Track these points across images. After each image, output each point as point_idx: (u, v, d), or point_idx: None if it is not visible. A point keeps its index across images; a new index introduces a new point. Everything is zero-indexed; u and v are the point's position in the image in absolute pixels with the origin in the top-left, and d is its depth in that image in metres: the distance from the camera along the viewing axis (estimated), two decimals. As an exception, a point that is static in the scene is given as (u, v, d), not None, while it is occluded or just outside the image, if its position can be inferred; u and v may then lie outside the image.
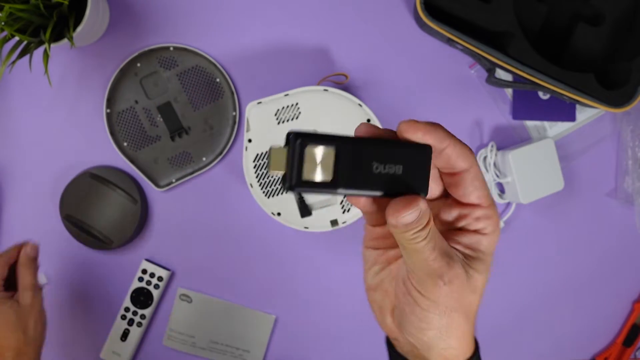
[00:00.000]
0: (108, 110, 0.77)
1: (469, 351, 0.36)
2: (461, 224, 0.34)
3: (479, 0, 0.69)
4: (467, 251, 0.34)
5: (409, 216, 0.30)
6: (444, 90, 0.79)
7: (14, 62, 0.66)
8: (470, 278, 0.33)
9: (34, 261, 0.62)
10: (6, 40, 0.65)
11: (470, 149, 0.33)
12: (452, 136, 0.32)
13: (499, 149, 0.79)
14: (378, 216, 0.34)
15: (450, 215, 0.34)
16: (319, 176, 0.29)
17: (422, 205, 0.31)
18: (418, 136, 0.31)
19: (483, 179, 0.33)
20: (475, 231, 0.33)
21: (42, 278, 0.79)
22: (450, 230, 0.34)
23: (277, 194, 0.72)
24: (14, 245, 0.64)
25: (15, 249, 0.63)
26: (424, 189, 0.31)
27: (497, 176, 0.78)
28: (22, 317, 0.58)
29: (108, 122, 0.77)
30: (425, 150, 0.30)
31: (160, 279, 0.78)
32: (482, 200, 0.33)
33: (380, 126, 0.71)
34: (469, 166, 0.32)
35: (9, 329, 0.57)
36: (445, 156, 0.32)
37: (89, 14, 0.67)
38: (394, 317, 0.36)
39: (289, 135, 0.28)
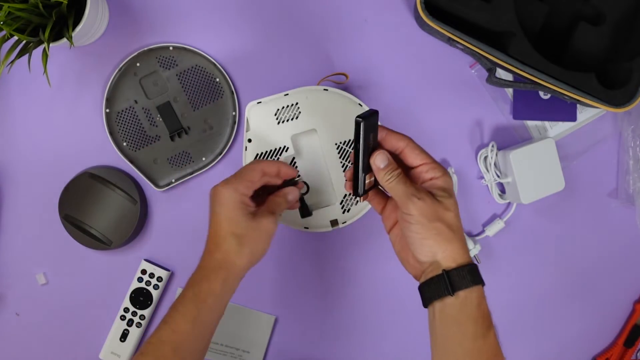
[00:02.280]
0: (107, 110, 0.77)
1: (467, 259, 0.53)
2: (421, 178, 0.55)
3: (480, 0, 0.69)
4: (430, 187, 0.54)
5: (380, 161, 0.54)
6: (445, 89, 0.79)
7: (12, 61, 0.66)
8: (438, 201, 0.53)
9: (287, 203, 0.63)
10: (5, 39, 0.65)
11: (403, 135, 0.55)
12: (388, 130, 0.55)
13: (499, 148, 0.79)
14: (377, 204, 0.61)
15: (414, 175, 0.55)
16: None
17: (386, 155, 0.55)
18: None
19: (421, 150, 0.55)
20: (430, 179, 0.54)
21: (40, 279, 0.79)
22: (418, 185, 0.55)
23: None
24: (277, 162, 0.63)
25: (275, 165, 0.63)
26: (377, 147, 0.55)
27: (498, 176, 0.78)
28: (246, 231, 0.59)
29: (107, 122, 0.77)
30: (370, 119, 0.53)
31: (159, 279, 0.78)
32: (425, 160, 0.54)
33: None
34: (405, 144, 0.55)
35: (226, 237, 0.58)
36: (388, 143, 0.55)
37: (88, 14, 0.67)
38: (410, 251, 0.55)
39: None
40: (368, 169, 0.55)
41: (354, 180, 0.56)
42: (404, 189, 0.53)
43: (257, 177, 0.61)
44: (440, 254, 0.53)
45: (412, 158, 0.54)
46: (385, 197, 0.61)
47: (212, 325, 0.60)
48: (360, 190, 0.56)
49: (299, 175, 0.63)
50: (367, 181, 0.56)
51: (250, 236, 0.59)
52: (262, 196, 0.63)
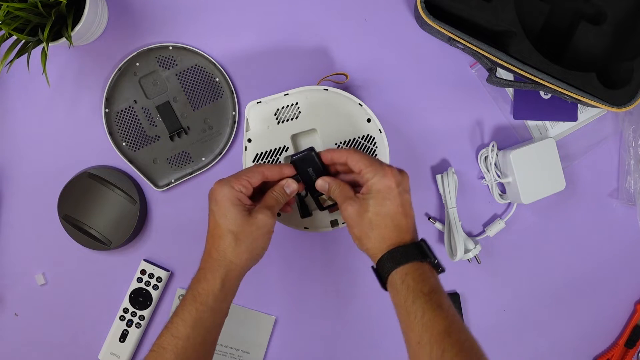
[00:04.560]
0: (106, 110, 0.76)
1: (385, 248, 0.57)
2: (361, 180, 0.60)
3: (480, -1, 0.69)
4: (365, 191, 0.60)
5: (319, 187, 0.63)
6: (445, 89, 0.79)
7: (11, 61, 0.65)
8: (363, 203, 0.59)
9: (285, 195, 0.63)
10: (4, 39, 0.65)
11: (345, 150, 0.62)
12: (333, 150, 0.63)
13: (500, 148, 0.78)
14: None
15: (362, 178, 0.60)
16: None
17: (328, 179, 0.63)
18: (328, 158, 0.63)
19: (361, 157, 0.60)
20: (366, 181, 0.59)
21: (39, 279, 0.78)
22: (359, 186, 0.62)
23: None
24: (279, 165, 0.64)
25: (276, 169, 0.63)
26: (324, 172, 0.65)
27: (498, 176, 0.77)
28: (242, 227, 0.59)
29: (106, 121, 0.76)
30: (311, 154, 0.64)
31: (159, 279, 0.78)
32: (362, 167, 0.60)
33: (379, 124, 0.70)
34: (346, 156, 0.61)
35: (222, 234, 0.59)
36: (336, 160, 0.62)
37: (88, 13, 0.67)
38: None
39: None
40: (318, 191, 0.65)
41: (315, 202, 0.67)
42: (339, 200, 0.61)
43: (256, 178, 0.61)
44: (366, 252, 0.60)
45: (353, 166, 0.61)
46: None
47: (215, 328, 0.60)
48: (320, 207, 0.68)
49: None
50: (325, 199, 0.67)
51: (247, 233, 0.59)
52: (262, 194, 0.63)
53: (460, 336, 0.52)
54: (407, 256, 0.56)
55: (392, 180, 0.58)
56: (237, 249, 0.59)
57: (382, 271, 0.57)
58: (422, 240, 0.59)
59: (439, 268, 0.58)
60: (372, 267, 0.59)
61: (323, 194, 0.66)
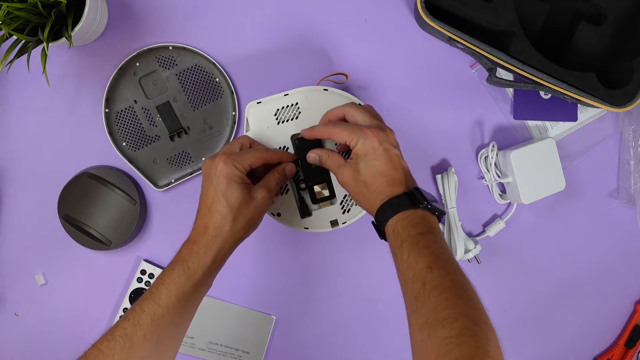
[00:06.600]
0: (107, 110, 0.76)
1: (379, 204, 0.59)
2: (350, 148, 0.62)
3: (480, -1, 0.69)
4: (353, 157, 0.62)
5: (314, 156, 0.67)
6: (445, 89, 0.79)
7: (11, 61, 0.65)
8: (355, 168, 0.61)
9: (285, 178, 0.67)
10: (4, 39, 0.65)
11: (324, 126, 0.65)
12: (316, 127, 0.66)
13: (500, 149, 0.78)
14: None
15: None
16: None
17: (317, 151, 0.66)
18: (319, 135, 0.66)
19: (340, 130, 0.62)
20: (352, 147, 0.62)
21: (39, 279, 0.78)
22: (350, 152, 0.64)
23: (277, 195, 0.72)
24: (279, 151, 0.68)
25: (277, 154, 0.67)
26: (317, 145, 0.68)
27: (498, 176, 0.77)
28: (241, 206, 0.61)
29: (106, 121, 0.76)
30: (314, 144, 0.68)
31: (159, 279, 0.78)
32: (345, 138, 0.62)
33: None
34: (329, 133, 0.64)
35: (221, 210, 0.60)
36: (317, 136, 0.66)
37: (88, 13, 0.67)
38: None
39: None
40: (314, 180, 0.69)
41: (309, 194, 0.70)
42: (333, 169, 0.64)
43: (257, 160, 0.64)
44: (366, 210, 0.63)
45: (337, 139, 0.63)
46: None
47: (197, 300, 0.61)
48: (313, 200, 0.70)
49: (298, 174, 0.65)
50: (319, 190, 0.69)
51: (245, 212, 0.61)
52: (251, 175, 0.65)
53: (441, 272, 0.53)
54: (398, 206, 0.58)
55: (374, 140, 0.61)
56: (234, 226, 0.61)
57: (379, 224, 0.60)
58: (415, 188, 0.60)
59: (435, 212, 0.59)
60: (372, 222, 0.62)
61: (318, 186, 0.69)
